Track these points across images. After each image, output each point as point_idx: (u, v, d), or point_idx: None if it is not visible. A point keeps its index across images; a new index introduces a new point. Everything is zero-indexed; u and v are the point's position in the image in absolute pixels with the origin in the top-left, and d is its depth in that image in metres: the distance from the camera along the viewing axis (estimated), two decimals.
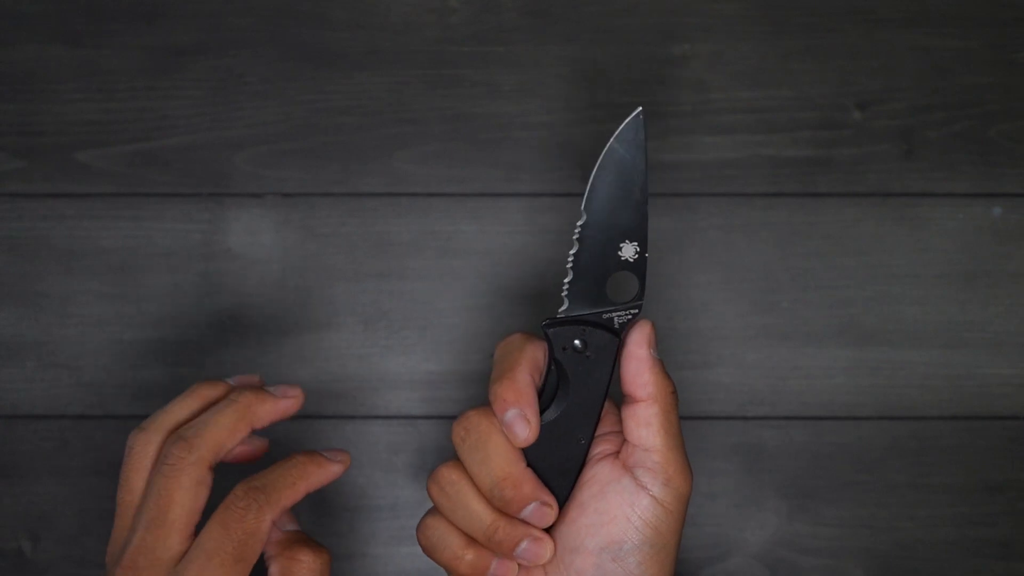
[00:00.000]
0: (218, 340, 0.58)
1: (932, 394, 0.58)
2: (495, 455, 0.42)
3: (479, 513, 0.42)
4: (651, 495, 0.41)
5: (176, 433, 0.43)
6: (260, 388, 0.45)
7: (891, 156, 0.59)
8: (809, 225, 0.58)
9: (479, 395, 0.58)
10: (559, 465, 0.43)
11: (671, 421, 0.42)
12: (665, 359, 0.58)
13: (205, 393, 0.45)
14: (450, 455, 0.58)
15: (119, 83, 0.59)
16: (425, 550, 0.44)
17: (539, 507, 0.42)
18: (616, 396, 0.44)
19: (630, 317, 0.43)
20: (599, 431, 0.44)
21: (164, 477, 0.42)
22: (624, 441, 0.43)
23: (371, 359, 0.58)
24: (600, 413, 0.43)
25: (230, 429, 0.43)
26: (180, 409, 0.45)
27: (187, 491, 0.41)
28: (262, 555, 0.43)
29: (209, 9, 0.59)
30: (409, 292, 0.58)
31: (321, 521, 0.58)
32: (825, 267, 0.58)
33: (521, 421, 0.42)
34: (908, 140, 0.59)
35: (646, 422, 0.42)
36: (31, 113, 0.59)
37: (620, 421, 0.44)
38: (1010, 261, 0.58)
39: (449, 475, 0.43)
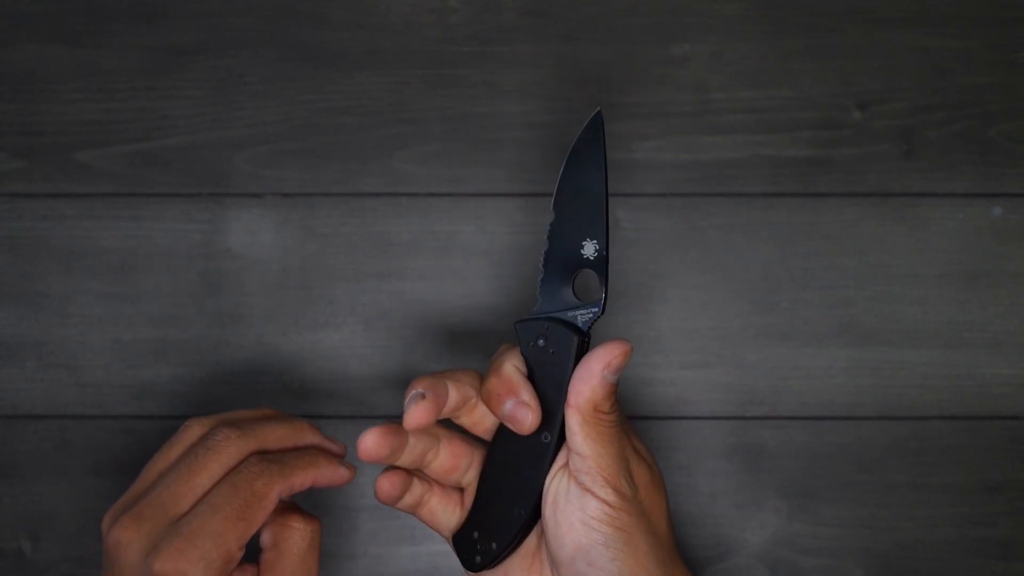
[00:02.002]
0: (218, 340, 0.58)
1: (932, 394, 0.58)
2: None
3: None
4: (595, 495, 0.42)
5: (230, 421, 0.45)
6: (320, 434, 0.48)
7: (891, 156, 0.59)
8: (809, 225, 0.58)
9: None
10: (526, 461, 0.44)
11: (599, 432, 0.42)
12: (665, 359, 0.58)
13: (270, 413, 0.47)
14: None
15: (119, 83, 0.59)
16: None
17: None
18: None
19: (591, 315, 0.44)
20: None
21: (206, 448, 0.43)
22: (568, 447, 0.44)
23: (371, 359, 0.58)
24: (563, 410, 0.44)
25: (279, 435, 0.45)
26: (242, 413, 0.47)
27: (220, 466, 0.43)
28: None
29: (209, 9, 0.59)
30: (409, 292, 0.58)
31: (321, 521, 0.58)
32: (825, 267, 0.58)
33: (521, 408, 0.43)
34: (908, 140, 0.59)
35: (571, 428, 0.42)
36: (31, 113, 0.59)
37: None
38: (1010, 261, 0.58)
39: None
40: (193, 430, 0.45)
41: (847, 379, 0.58)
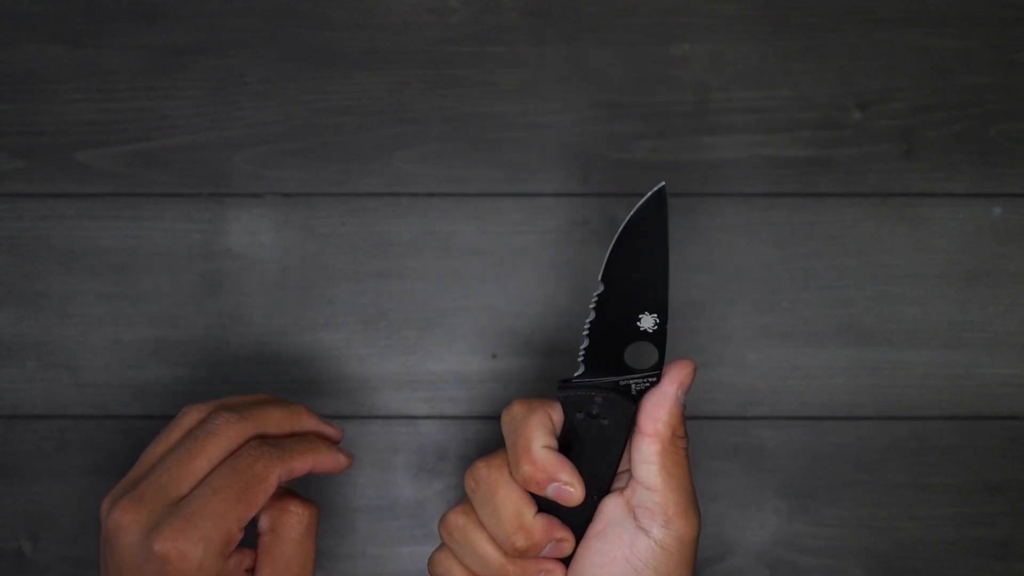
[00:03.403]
0: (218, 340, 0.58)
1: (932, 394, 0.58)
2: (503, 508, 0.42)
3: (489, 557, 0.43)
4: (650, 537, 0.41)
5: (228, 406, 0.45)
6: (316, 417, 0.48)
7: (891, 156, 0.59)
8: (809, 225, 0.58)
9: (479, 395, 0.58)
10: (569, 519, 0.43)
11: (675, 462, 0.42)
12: (666, 359, 0.58)
13: (267, 398, 0.47)
14: (448, 456, 0.58)
15: (119, 83, 0.59)
16: None
17: (555, 545, 0.42)
18: None
19: (648, 385, 0.43)
20: None
21: (205, 432, 0.43)
22: (631, 477, 0.43)
23: (371, 359, 0.58)
24: (614, 474, 0.43)
25: (277, 419, 0.45)
26: (240, 399, 0.47)
27: (220, 449, 0.43)
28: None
29: (209, 9, 0.59)
30: (409, 292, 0.58)
31: (321, 521, 0.58)
32: (825, 267, 0.58)
33: (564, 490, 0.42)
34: (908, 140, 0.59)
35: (648, 459, 0.42)
36: (31, 113, 0.59)
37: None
38: (1010, 261, 0.58)
39: (457, 520, 0.43)
40: (191, 415, 0.45)
41: (847, 379, 0.58)
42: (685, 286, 0.58)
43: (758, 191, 0.59)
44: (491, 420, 0.58)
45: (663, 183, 0.42)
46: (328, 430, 0.47)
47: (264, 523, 0.44)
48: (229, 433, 0.43)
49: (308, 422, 0.47)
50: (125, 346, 0.58)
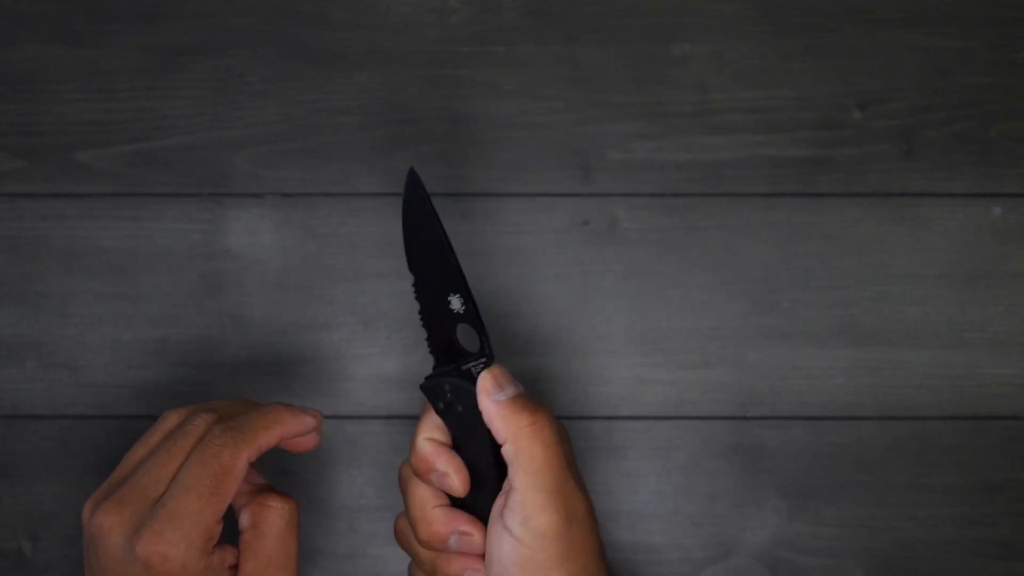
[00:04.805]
0: (218, 340, 0.58)
1: (932, 394, 0.58)
2: (411, 501, 0.45)
3: (421, 555, 0.45)
4: (511, 535, 0.42)
5: (207, 408, 0.45)
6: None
7: (891, 156, 0.59)
8: (809, 225, 0.58)
9: None
10: (480, 511, 0.44)
11: (533, 456, 0.42)
12: (665, 359, 0.58)
13: (246, 400, 0.48)
14: None
15: (119, 83, 0.59)
16: None
17: (459, 537, 0.44)
18: None
19: (482, 366, 0.43)
20: None
21: (184, 433, 0.44)
22: None
23: (371, 359, 0.58)
24: (494, 463, 0.44)
25: (262, 424, 0.45)
26: (217, 402, 0.47)
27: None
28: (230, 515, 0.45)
29: (209, 9, 0.59)
30: (409, 292, 0.58)
31: (321, 521, 0.58)
32: (825, 267, 0.58)
33: (444, 479, 0.44)
34: (908, 140, 0.59)
35: (509, 461, 0.43)
36: (31, 113, 0.59)
37: None
38: (1010, 261, 0.58)
39: (397, 523, 0.47)
40: (171, 419, 0.45)
41: (847, 379, 0.58)
42: (685, 286, 0.58)
43: (758, 191, 0.59)
44: None
45: (411, 166, 0.44)
46: (305, 417, 0.47)
47: (245, 520, 0.44)
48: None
49: (290, 419, 0.46)
50: (125, 346, 0.58)
